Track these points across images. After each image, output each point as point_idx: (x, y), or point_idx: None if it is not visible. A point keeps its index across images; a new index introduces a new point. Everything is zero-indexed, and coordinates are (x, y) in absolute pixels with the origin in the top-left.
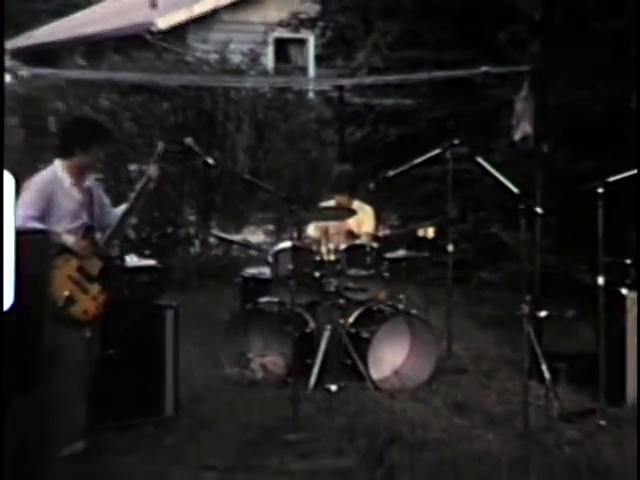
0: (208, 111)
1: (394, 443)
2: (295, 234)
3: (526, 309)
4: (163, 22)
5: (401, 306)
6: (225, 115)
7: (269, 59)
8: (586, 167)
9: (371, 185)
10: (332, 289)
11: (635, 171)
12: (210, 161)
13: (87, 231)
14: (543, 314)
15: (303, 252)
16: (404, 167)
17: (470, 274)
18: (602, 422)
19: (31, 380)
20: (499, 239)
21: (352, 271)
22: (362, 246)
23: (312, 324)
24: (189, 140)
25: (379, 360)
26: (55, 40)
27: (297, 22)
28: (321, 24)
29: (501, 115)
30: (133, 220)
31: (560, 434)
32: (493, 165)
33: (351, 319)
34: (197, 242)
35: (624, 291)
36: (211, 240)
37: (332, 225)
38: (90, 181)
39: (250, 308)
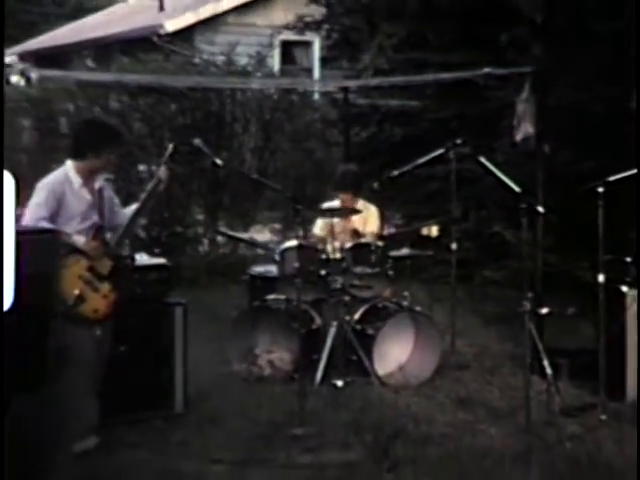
0: (216, 112)
1: (399, 437)
2: (301, 233)
3: (528, 306)
4: (171, 25)
5: (405, 303)
6: (232, 116)
7: (275, 61)
8: (587, 167)
9: (376, 184)
10: (338, 286)
11: (635, 171)
12: (218, 161)
13: (97, 231)
14: (545, 311)
15: (309, 250)
16: (408, 167)
17: (473, 272)
18: (603, 417)
19: (39, 378)
20: (501, 237)
21: (357, 269)
22: (367, 244)
23: (318, 321)
24: (197, 141)
25: (384, 356)
26: (66, 43)
27: (303, 25)
28: (326, 26)
29: (503, 116)
30: (143, 220)
31: (561, 428)
32: (495, 165)
33: (356, 316)
34: (206, 241)
35: (624, 288)
36: (219, 239)
37: (337, 224)
38: (100, 182)
39: (257, 305)
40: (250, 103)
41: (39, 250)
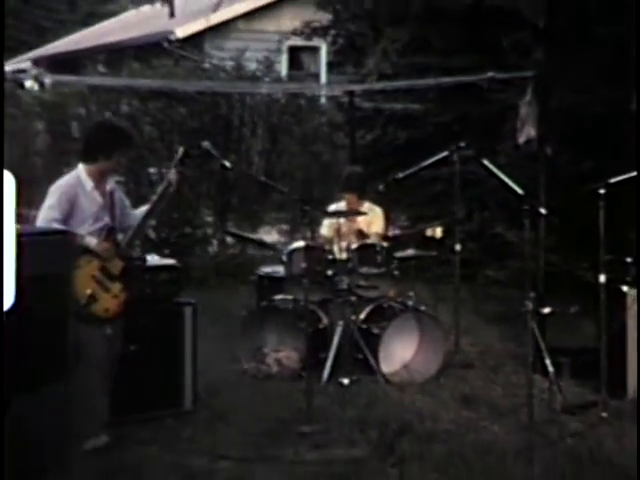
0: (224, 116)
1: (404, 434)
2: (308, 234)
3: (530, 306)
4: (181, 31)
5: (410, 303)
6: (241, 120)
7: (283, 66)
8: (588, 169)
9: (381, 186)
10: (344, 287)
11: (635, 173)
12: (227, 164)
13: (109, 233)
14: (547, 310)
15: (316, 251)
16: (413, 169)
17: (476, 272)
18: (604, 414)
19: (52, 376)
20: (504, 238)
21: (363, 269)
22: (373, 245)
23: (325, 320)
24: (206, 144)
25: (389, 355)
26: (79, 48)
27: (310, 31)
28: (333, 32)
29: (506, 119)
30: (153, 221)
31: (563, 426)
32: (498, 167)
33: (362, 315)
34: (215, 242)
35: (625, 288)
36: (228, 240)
37: (344, 225)
38: (111, 184)
39: (265, 305)
40: (258, 107)
41: (53, 251)
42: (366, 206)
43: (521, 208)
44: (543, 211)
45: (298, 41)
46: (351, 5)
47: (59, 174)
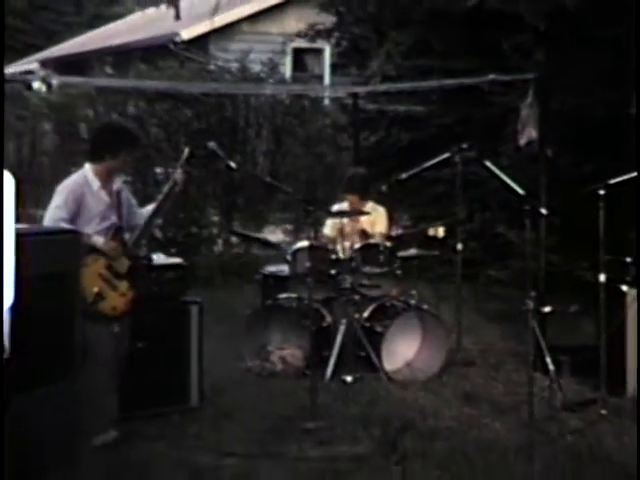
0: (230, 117)
1: (407, 431)
2: (312, 234)
3: (531, 305)
4: (187, 33)
5: (413, 302)
6: (246, 121)
7: (287, 68)
8: (588, 170)
9: (384, 187)
10: (347, 286)
11: (635, 174)
12: (232, 164)
13: (116, 232)
14: (547, 309)
15: (320, 251)
16: (415, 170)
17: (478, 271)
18: (603, 411)
19: (63, 371)
20: (505, 238)
21: (366, 269)
22: (376, 245)
23: (329, 319)
24: (212, 144)
25: (392, 353)
26: (86, 50)
27: (314, 33)
28: (337, 35)
29: (507, 121)
30: (159, 221)
31: (563, 423)
32: (500, 168)
33: (365, 314)
34: (220, 241)
35: (624, 288)
36: (233, 239)
37: (347, 225)
38: (118, 184)
39: (270, 304)
40: (263, 108)
41: (61, 250)
42: (369, 206)
43: (522, 208)
44: (544, 211)
45: (302, 43)
46: (355, 8)
47: (67, 174)
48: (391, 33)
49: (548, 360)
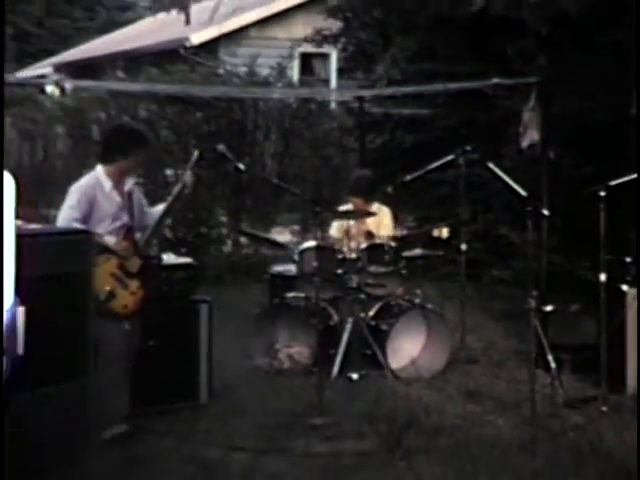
0: (238, 120)
1: (411, 428)
2: (319, 234)
3: (533, 304)
4: (196, 38)
5: (417, 301)
6: (254, 124)
7: (295, 72)
8: (589, 172)
9: (389, 189)
10: (353, 285)
11: (635, 175)
12: (241, 166)
13: (127, 232)
14: (549, 308)
15: (327, 251)
16: (420, 172)
17: (481, 271)
18: (604, 408)
19: (76, 368)
20: (508, 239)
21: (372, 268)
22: (381, 245)
23: (335, 317)
24: (221, 147)
25: (397, 351)
26: (98, 55)
27: (321, 38)
28: (343, 40)
29: (510, 123)
30: (169, 221)
31: (565, 419)
32: (503, 170)
33: (371, 313)
34: (229, 241)
35: (624, 287)
36: (242, 239)
37: (353, 225)
38: (130, 185)
39: (278, 302)
40: (271, 112)
41: (74, 250)
42: (375, 207)
43: (524, 210)
44: (546, 213)
45: (309, 48)
46: (361, 14)
47: (79, 176)
48: (396, 38)
49: (550, 358)
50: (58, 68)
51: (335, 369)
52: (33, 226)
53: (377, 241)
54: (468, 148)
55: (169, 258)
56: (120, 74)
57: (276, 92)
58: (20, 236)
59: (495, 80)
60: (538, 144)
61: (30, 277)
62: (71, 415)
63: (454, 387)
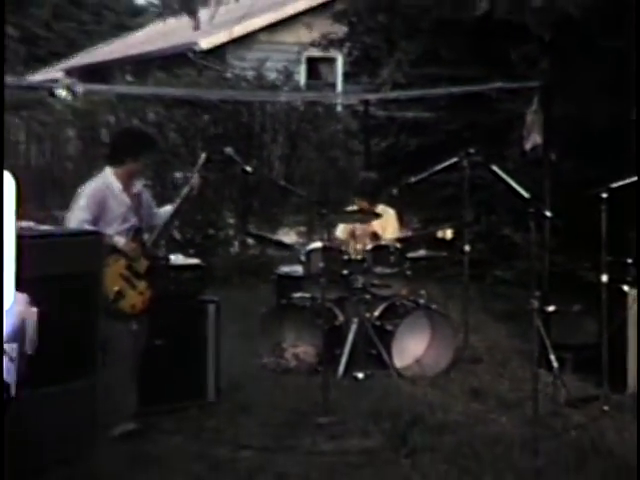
0: (246, 123)
1: (416, 426)
2: (325, 235)
3: (536, 304)
4: (205, 42)
5: (422, 301)
6: (261, 127)
7: (301, 76)
8: (591, 174)
9: (394, 191)
10: (359, 285)
11: (635, 178)
12: (248, 169)
13: (136, 233)
14: (551, 309)
15: (332, 252)
16: (424, 174)
17: (485, 272)
18: (605, 407)
19: (85, 366)
20: (511, 240)
21: (377, 269)
22: (386, 246)
23: (341, 317)
24: (229, 150)
25: (402, 350)
26: (108, 59)
27: (327, 42)
28: (349, 44)
29: (513, 127)
30: (178, 223)
31: (567, 418)
32: (506, 172)
33: (376, 313)
34: (236, 243)
35: (625, 288)
36: (249, 241)
37: (359, 227)
38: (138, 187)
39: (284, 303)
40: (278, 115)
41: (84, 250)
42: (380, 208)
43: (527, 211)
44: (548, 214)
45: (316, 52)
46: (366, 19)
47: (89, 177)
48: (401, 42)
49: (552, 357)
50: (69, 72)
51: (341, 368)
52: (44, 227)
53: (382, 242)
54: (471, 151)
55: (178, 259)
56: (129, 78)
57: (283, 95)
58: (32, 237)
59: (498, 84)
60: (540, 147)
61: (41, 277)
62: (80, 413)
63: (458, 386)
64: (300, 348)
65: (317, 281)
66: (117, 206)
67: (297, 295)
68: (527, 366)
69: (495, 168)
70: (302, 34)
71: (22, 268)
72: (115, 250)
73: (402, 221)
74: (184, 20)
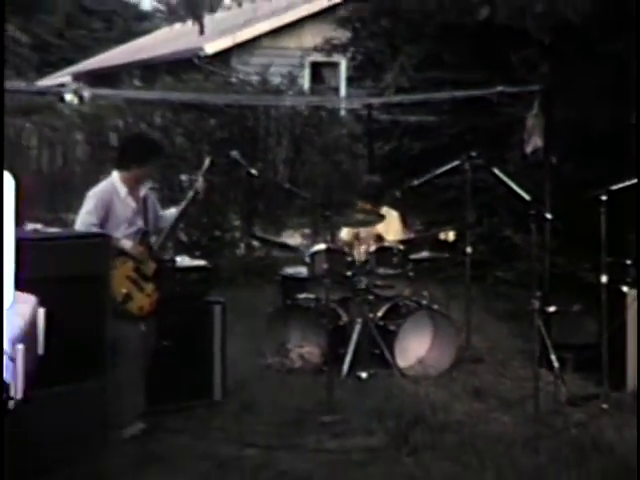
0: (251, 127)
1: (418, 424)
2: (329, 237)
3: (536, 304)
4: (210, 48)
5: (424, 301)
6: (266, 130)
7: (305, 80)
8: (591, 177)
9: (397, 193)
10: (363, 286)
11: (635, 180)
12: (253, 172)
13: (143, 236)
14: (552, 309)
15: (336, 253)
16: (427, 177)
17: (486, 273)
18: (605, 406)
19: (96, 368)
20: (512, 241)
21: (380, 270)
22: (389, 248)
23: (345, 318)
24: (234, 153)
25: (405, 350)
26: (115, 64)
27: (330, 47)
28: (352, 49)
29: (514, 130)
30: (184, 225)
31: (568, 417)
32: (507, 175)
33: (380, 313)
34: (242, 244)
35: (625, 288)
36: (254, 243)
37: (362, 229)
38: (145, 190)
39: (289, 303)
40: (282, 119)
41: (92, 253)
42: (384, 210)
43: (528, 213)
44: (548, 216)
45: (319, 57)
46: (369, 24)
47: (97, 181)
48: (404, 47)
49: (553, 357)
50: (77, 77)
51: (345, 368)
52: (53, 230)
53: (386, 244)
54: (473, 154)
55: (183, 261)
56: (137, 82)
57: (287, 100)
58: (40, 239)
59: (500, 88)
60: (541, 150)
61: (49, 279)
62: (89, 413)
63: (460, 385)
64: (305, 348)
65: (321, 282)
66: (123, 210)
67: (302, 296)
68: (528, 366)
69: (496, 171)
70: (305, 39)
71: (30, 270)
72: (122, 253)
73: (405, 223)
74: (190, 25)
